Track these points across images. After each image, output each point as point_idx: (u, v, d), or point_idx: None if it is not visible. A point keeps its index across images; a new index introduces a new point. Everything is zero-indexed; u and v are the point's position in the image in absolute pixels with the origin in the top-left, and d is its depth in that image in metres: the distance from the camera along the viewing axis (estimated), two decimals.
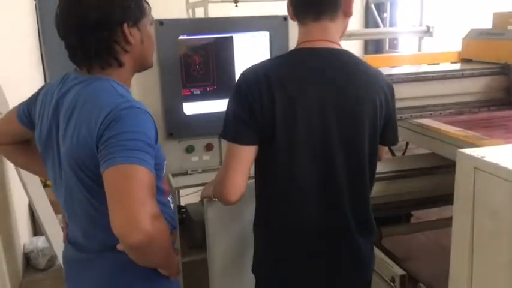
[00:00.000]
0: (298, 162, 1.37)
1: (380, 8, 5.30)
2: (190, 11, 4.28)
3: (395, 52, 5.12)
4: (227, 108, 1.40)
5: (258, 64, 1.41)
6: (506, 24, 2.00)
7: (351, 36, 4.74)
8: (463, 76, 1.93)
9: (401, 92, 1.79)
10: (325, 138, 1.36)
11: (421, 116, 1.92)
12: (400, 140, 1.59)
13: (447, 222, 1.33)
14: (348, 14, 1.41)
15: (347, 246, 1.44)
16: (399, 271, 1.64)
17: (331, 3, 1.37)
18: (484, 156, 1.13)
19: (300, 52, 1.41)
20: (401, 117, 1.86)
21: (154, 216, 1.12)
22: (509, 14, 2.04)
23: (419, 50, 4.33)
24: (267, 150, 1.38)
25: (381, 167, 2.05)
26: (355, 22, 5.64)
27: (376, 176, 1.68)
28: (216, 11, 3.60)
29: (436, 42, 4.03)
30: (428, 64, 2.39)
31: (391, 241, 1.93)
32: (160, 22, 1.96)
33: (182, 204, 2.66)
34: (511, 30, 1.96)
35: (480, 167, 1.13)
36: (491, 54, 2.01)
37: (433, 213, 2.16)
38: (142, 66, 1.40)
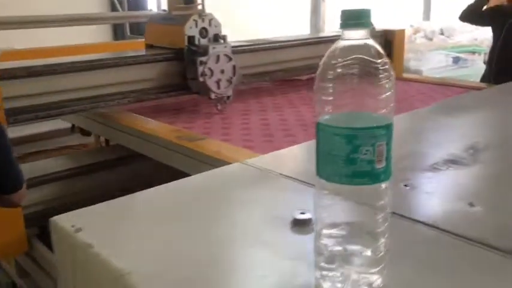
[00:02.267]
0: None
1: None
2: None
3: (141, 38, 4.99)
4: None
5: None
6: (174, 9, 1.88)
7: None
8: (136, 62, 1.82)
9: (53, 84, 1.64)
10: None
11: (97, 107, 1.77)
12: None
13: None
14: None
15: None
16: None
17: None
18: None
19: None
20: (74, 109, 1.70)
21: None
22: None
23: None
24: None
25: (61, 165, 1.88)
26: (98, 7, 5.34)
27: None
28: None
29: None
30: None
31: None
32: None
33: None
34: (177, 15, 1.86)
35: None
36: (167, 40, 1.90)
37: None
38: None
